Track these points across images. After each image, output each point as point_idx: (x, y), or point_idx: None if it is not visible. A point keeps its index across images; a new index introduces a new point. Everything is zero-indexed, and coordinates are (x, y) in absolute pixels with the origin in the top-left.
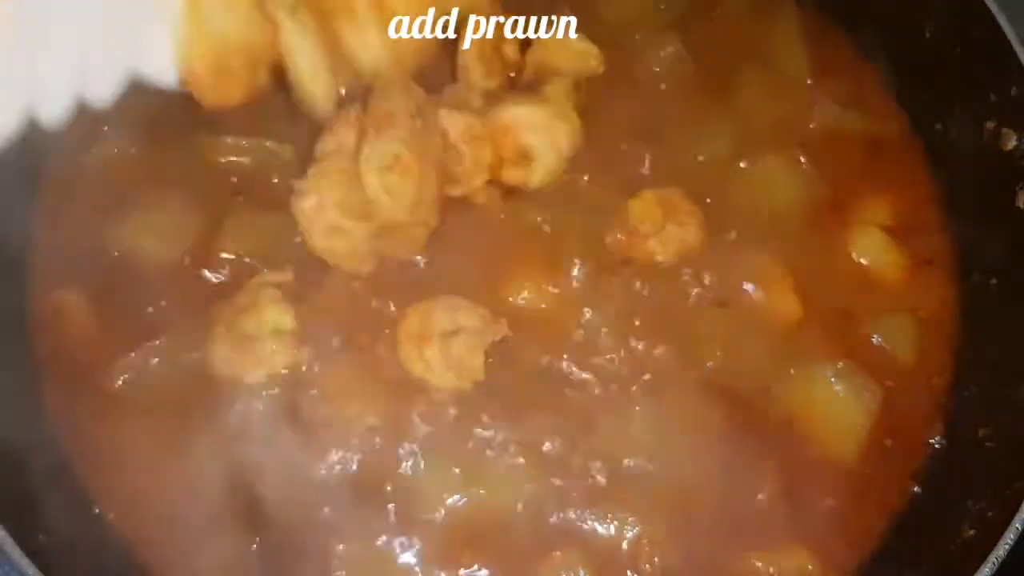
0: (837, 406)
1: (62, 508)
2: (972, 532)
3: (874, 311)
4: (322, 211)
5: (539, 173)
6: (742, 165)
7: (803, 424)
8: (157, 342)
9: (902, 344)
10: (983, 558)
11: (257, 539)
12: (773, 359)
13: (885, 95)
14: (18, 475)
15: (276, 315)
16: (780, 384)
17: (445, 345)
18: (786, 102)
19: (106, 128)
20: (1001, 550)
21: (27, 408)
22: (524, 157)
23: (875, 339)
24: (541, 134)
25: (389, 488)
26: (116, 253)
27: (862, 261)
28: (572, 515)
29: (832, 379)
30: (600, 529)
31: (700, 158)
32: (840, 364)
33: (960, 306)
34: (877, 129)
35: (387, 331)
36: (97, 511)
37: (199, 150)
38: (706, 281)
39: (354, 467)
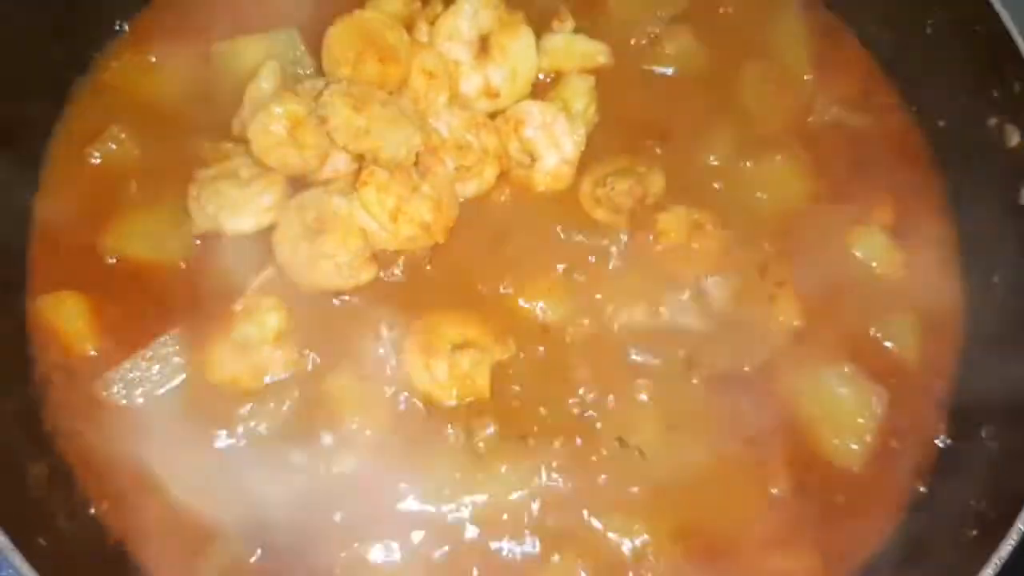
0: (843, 409)
1: (61, 513)
2: (975, 532)
3: (877, 311)
4: (295, 251)
5: (543, 173)
6: (748, 164)
7: (809, 426)
8: (156, 347)
9: (906, 344)
10: (986, 558)
11: (259, 545)
12: (779, 362)
13: (888, 92)
14: (18, 480)
15: (276, 321)
16: (786, 387)
17: (453, 360)
18: (789, 99)
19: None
20: (1004, 550)
21: (27, 412)
22: (530, 156)
23: (879, 340)
24: (541, 131)
25: (390, 493)
26: (114, 258)
27: (864, 261)
28: (573, 519)
29: (838, 383)
30: (601, 533)
31: (707, 159)
32: (846, 368)
33: (963, 304)
34: (880, 126)
35: (391, 338)
36: (96, 516)
37: (197, 154)
38: (710, 285)
39: (355, 472)
